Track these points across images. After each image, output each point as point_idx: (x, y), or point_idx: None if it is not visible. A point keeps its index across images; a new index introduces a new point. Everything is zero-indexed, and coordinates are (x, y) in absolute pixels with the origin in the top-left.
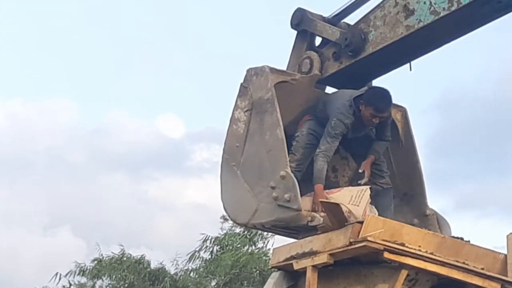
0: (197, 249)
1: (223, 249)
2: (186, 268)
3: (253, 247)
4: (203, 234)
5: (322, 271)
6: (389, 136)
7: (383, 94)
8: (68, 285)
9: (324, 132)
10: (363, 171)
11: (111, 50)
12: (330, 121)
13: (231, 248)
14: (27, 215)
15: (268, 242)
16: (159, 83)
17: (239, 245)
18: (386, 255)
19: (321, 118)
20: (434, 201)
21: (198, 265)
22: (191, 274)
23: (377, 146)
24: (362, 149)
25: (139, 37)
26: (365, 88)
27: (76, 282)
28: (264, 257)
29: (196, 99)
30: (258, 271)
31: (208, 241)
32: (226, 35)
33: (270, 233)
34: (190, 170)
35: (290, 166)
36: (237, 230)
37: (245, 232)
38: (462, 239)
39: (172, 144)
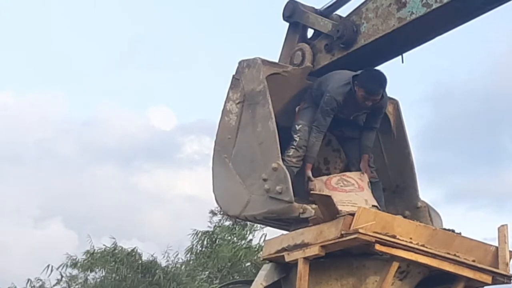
0: (193, 244)
1: (214, 243)
2: (177, 260)
3: (244, 241)
4: (193, 229)
5: (314, 263)
6: (377, 125)
7: (376, 77)
8: (60, 278)
9: (319, 107)
10: (363, 173)
11: (102, 43)
12: (323, 96)
13: (222, 241)
14: (17, 207)
15: (256, 234)
16: (150, 75)
17: (234, 239)
18: (378, 247)
19: (316, 98)
20: (425, 193)
21: (189, 258)
22: (182, 267)
23: (367, 141)
24: (350, 132)
25: (130, 29)
26: None
27: (68, 274)
28: (260, 250)
29: (187, 91)
30: (254, 264)
31: (199, 235)
32: (218, 27)
33: (259, 227)
34: (180, 162)
35: (291, 162)
36: (227, 223)
37: (235, 226)
38: (453, 231)
39: (162, 136)
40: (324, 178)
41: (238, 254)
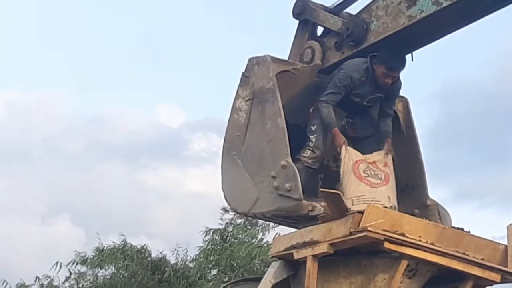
0: (207, 243)
1: (224, 241)
2: (186, 258)
3: (255, 239)
4: (206, 227)
5: (322, 260)
6: (392, 111)
7: (397, 54)
8: (68, 274)
9: (331, 80)
10: (387, 154)
11: (110, 39)
12: (339, 70)
13: (234, 240)
14: (25, 204)
15: (270, 232)
16: (158, 72)
17: (246, 238)
18: (387, 245)
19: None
20: (433, 191)
21: (198, 256)
22: (191, 264)
23: (385, 127)
24: (364, 131)
25: (138, 26)
26: None
27: (76, 271)
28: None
29: (195, 88)
30: (264, 262)
31: (210, 233)
32: (227, 23)
33: (271, 225)
34: (188, 159)
35: (307, 163)
36: (239, 220)
37: (246, 223)
38: (462, 229)
39: (170, 133)
40: (355, 156)
41: (253, 253)
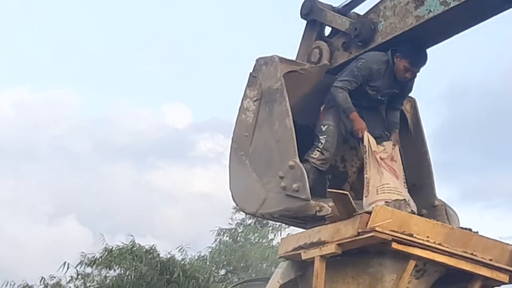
0: (216, 244)
1: (235, 242)
2: (195, 258)
3: (265, 239)
4: (217, 227)
5: (330, 261)
6: (401, 106)
7: (421, 49)
8: (75, 275)
9: (347, 68)
10: (395, 145)
11: (117, 40)
12: (357, 60)
13: (245, 240)
14: (32, 204)
15: (282, 233)
16: (165, 72)
17: (257, 238)
18: (394, 245)
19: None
20: (441, 191)
21: (209, 256)
22: (204, 264)
23: (393, 118)
24: (373, 132)
25: (145, 27)
26: None
27: (83, 272)
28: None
29: (201, 89)
30: (275, 264)
31: (222, 233)
32: (235, 24)
33: (282, 226)
34: (194, 160)
35: (315, 164)
36: (249, 221)
37: (257, 224)
38: (470, 230)
39: (176, 134)
40: (373, 146)
41: (265, 254)
